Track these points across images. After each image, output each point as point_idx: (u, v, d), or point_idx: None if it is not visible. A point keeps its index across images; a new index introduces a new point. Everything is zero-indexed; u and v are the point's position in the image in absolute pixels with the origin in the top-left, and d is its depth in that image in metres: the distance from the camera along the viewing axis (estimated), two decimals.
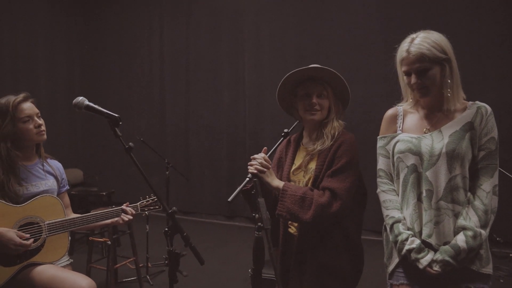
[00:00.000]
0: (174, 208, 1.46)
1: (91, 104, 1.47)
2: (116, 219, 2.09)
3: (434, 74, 1.53)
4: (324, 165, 1.79)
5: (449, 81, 1.54)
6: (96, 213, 2.06)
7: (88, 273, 3.26)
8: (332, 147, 1.80)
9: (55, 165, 2.19)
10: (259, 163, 1.75)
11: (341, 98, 1.91)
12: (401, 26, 5.01)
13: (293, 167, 1.93)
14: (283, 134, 1.85)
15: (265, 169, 1.75)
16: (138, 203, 2.28)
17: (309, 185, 1.84)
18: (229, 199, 1.59)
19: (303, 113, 1.88)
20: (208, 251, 4.63)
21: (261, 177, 1.75)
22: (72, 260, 2.19)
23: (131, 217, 2.09)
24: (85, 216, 2.03)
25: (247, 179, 1.70)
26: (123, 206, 2.12)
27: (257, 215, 1.51)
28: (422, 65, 1.51)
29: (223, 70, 6.15)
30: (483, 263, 1.53)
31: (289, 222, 1.92)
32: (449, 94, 1.55)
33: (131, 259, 3.60)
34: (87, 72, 7.29)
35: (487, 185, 1.52)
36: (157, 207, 2.31)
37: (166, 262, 1.45)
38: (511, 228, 4.10)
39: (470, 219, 1.50)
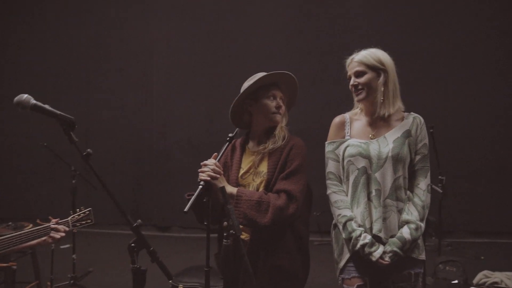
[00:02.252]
0: (139, 221, 1.34)
1: (39, 103, 1.26)
2: (43, 238, 1.80)
3: (369, 78, 1.77)
4: (276, 168, 1.82)
5: (382, 89, 1.76)
6: (15, 235, 1.75)
7: None
8: (283, 149, 1.85)
9: None
10: (211, 169, 1.70)
11: (287, 103, 2.00)
12: (309, 34, 5.39)
13: (241, 171, 1.93)
14: (228, 138, 1.83)
15: (218, 175, 1.72)
16: (69, 218, 2.00)
17: (260, 188, 1.85)
18: (185, 210, 1.51)
19: (268, 115, 1.89)
20: (109, 265, 4.31)
21: (214, 184, 1.70)
22: None
23: (63, 234, 1.83)
24: (3, 238, 1.70)
25: (200, 186, 1.63)
26: (53, 223, 1.84)
27: (225, 222, 1.47)
28: (359, 69, 1.78)
29: (129, 71, 5.80)
30: (420, 251, 1.78)
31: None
32: (381, 100, 1.77)
33: (33, 284, 3.15)
34: None
35: (423, 184, 1.77)
36: (89, 221, 2.06)
37: (72, 281, 1.31)
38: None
39: (412, 213, 1.73)
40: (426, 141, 1.81)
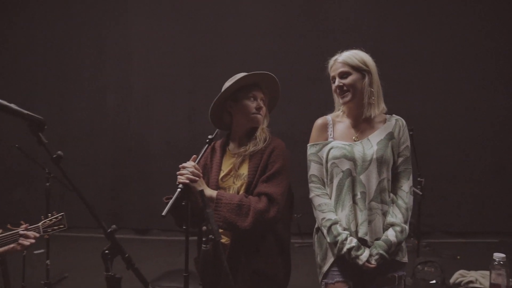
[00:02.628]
0: (113, 226, 1.28)
1: (4, 102, 1.15)
2: (12, 245, 1.71)
3: (354, 79, 1.75)
4: (257, 170, 1.80)
5: (372, 89, 1.76)
6: None
7: None
8: (264, 151, 1.82)
9: None
10: (190, 172, 1.67)
11: (268, 104, 1.99)
12: (293, 34, 5.39)
13: (221, 174, 1.90)
14: (207, 140, 1.80)
15: (197, 178, 1.68)
16: (40, 223, 1.92)
17: (241, 191, 1.82)
18: (163, 214, 1.48)
19: (249, 116, 1.87)
20: (88, 272, 4.18)
21: (193, 187, 1.67)
22: None
23: (33, 241, 1.75)
24: None
25: (178, 189, 1.59)
26: (22, 228, 1.75)
27: (204, 227, 1.43)
28: (344, 69, 1.76)
29: (106, 71, 5.67)
30: (404, 253, 1.78)
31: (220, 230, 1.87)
32: (367, 101, 1.76)
33: None
34: None
35: (406, 186, 1.77)
36: (61, 226, 1.99)
37: None
38: None
39: (396, 216, 1.73)
40: (408, 143, 1.82)
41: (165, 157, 5.51)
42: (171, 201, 1.51)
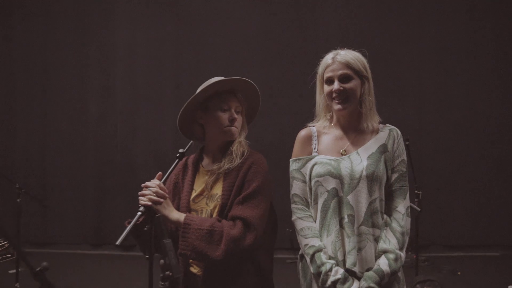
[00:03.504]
0: (44, 263, 1.04)
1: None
2: None
3: (356, 85, 1.53)
4: (232, 191, 1.56)
5: (369, 98, 1.55)
6: None
7: None
8: (241, 168, 1.58)
9: None
10: (154, 192, 1.44)
11: (248, 113, 1.75)
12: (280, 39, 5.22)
13: (193, 194, 1.66)
14: (178, 155, 1.57)
15: (161, 200, 1.45)
16: None
17: (214, 214, 1.58)
18: (117, 243, 1.25)
19: (221, 129, 1.63)
20: None
21: (157, 210, 1.43)
22: None
23: None
24: None
25: (139, 213, 1.37)
26: None
27: (162, 260, 1.20)
28: (346, 72, 1.52)
29: (89, 80, 5.45)
30: (401, 285, 1.53)
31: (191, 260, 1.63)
32: (369, 113, 1.55)
33: None
34: None
35: (402, 207, 1.53)
36: (8, 256, 1.74)
37: None
38: None
39: (390, 241, 1.48)
40: (404, 157, 1.57)
41: (151, 168, 5.27)
42: (128, 227, 1.28)
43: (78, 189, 5.43)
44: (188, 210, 1.61)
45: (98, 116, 5.44)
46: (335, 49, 1.60)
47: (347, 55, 1.54)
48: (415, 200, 3.31)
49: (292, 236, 4.46)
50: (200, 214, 1.61)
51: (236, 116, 1.63)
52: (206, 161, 1.72)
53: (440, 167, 5.01)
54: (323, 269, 1.45)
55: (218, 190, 1.60)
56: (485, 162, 5.13)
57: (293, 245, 4.70)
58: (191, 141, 1.69)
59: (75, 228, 5.41)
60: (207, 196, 1.63)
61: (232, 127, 1.63)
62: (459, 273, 4.22)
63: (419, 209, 3.13)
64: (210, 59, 5.19)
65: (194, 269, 1.62)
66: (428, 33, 5.17)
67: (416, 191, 3.36)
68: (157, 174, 1.53)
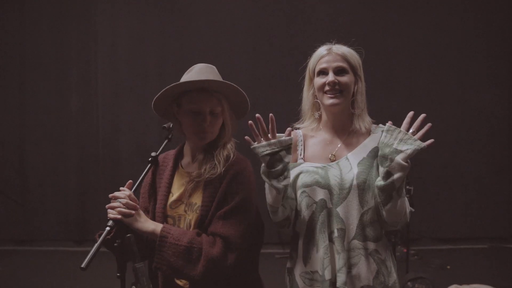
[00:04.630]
0: None
1: None
2: None
3: (351, 80, 1.42)
4: (213, 202, 1.40)
5: (362, 98, 1.44)
6: None
7: None
8: (223, 178, 1.40)
9: None
10: (124, 204, 1.29)
11: (236, 110, 1.54)
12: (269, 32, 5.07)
13: (171, 198, 1.49)
14: (150, 159, 1.42)
15: (133, 212, 1.30)
16: None
17: (192, 225, 1.43)
18: (82, 265, 1.14)
19: (190, 133, 1.46)
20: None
21: (128, 223, 1.30)
22: None
23: None
24: None
25: (107, 228, 1.24)
26: None
27: (133, 286, 1.07)
28: (342, 65, 1.41)
29: (70, 71, 5.22)
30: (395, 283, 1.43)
31: None
32: (360, 113, 1.44)
33: None
34: None
35: None
36: None
37: None
38: None
39: None
40: None
41: (136, 163, 5.11)
42: (94, 248, 1.13)
43: (60, 184, 5.24)
44: (164, 216, 1.46)
45: (79, 108, 5.24)
46: (330, 42, 1.48)
47: (344, 48, 1.45)
48: (407, 195, 3.23)
49: (280, 230, 4.39)
50: (178, 222, 1.47)
51: (208, 119, 1.41)
52: (186, 159, 1.55)
53: (429, 162, 4.96)
54: None
55: (197, 199, 1.44)
56: (474, 157, 5.10)
57: (282, 240, 4.63)
58: (165, 141, 1.51)
59: (57, 225, 5.24)
60: (186, 203, 1.47)
61: (202, 134, 1.43)
62: (448, 267, 4.20)
63: (413, 210, 3.06)
64: (195, 49, 5.01)
65: (181, 282, 1.48)
66: (418, 28, 5.07)
67: (407, 187, 3.28)
68: (127, 183, 1.38)
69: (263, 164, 1.34)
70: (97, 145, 5.23)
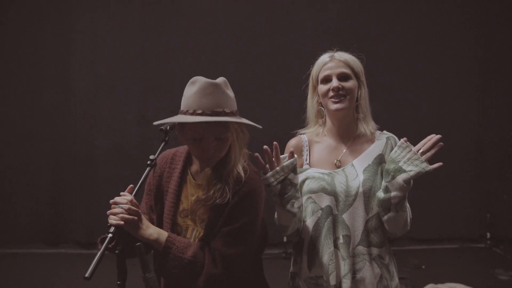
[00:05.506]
0: None
1: None
2: None
3: (354, 85, 1.45)
4: (220, 219, 1.36)
5: (365, 103, 1.47)
6: None
7: None
8: (235, 194, 1.35)
9: None
10: (126, 210, 1.23)
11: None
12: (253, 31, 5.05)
13: (181, 206, 1.45)
14: (149, 162, 1.34)
15: (135, 218, 1.25)
16: None
17: (199, 237, 1.41)
18: (86, 275, 1.05)
19: (194, 156, 1.43)
20: None
21: (130, 230, 1.25)
22: None
23: None
24: None
25: (109, 235, 1.17)
26: None
27: None
28: (345, 70, 1.45)
29: (44, 65, 5.02)
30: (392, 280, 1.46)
31: None
32: (365, 118, 1.47)
33: None
34: None
35: None
36: None
37: None
38: None
39: None
40: None
41: (114, 162, 4.99)
42: (97, 256, 1.07)
43: (32, 183, 5.04)
44: (173, 223, 1.43)
45: (54, 105, 5.04)
46: (332, 49, 1.51)
47: (346, 55, 1.48)
48: None
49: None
50: (185, 232, 1.44)
51: (212, 145, 1.33)
52: (194, 166, 1.48)
53: None
54: None
55: (205, 215, 1.40)
56: (448, 161, 5.24)
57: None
58: (162, 144, 1.41)
59: (28, 226, 5.03)
60: (193, 217, 1.44)
61: (207, 160, 1.36)
62: (423, 266, 4.33)
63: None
64: (177, 45, 4.94)
65: None
66: (400, 27, 5.17)
67: None
68: (128, 187, 1.32)
69: (273, 193, 1.33)
70: (72, 143, 5.06)
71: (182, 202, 1.45)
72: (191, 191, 1.45)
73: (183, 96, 1.36)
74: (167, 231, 1.38)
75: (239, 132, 1.38)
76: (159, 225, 1.45)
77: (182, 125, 1.36)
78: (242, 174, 1.37)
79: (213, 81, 1.33)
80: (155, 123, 1.35)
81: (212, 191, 1.35)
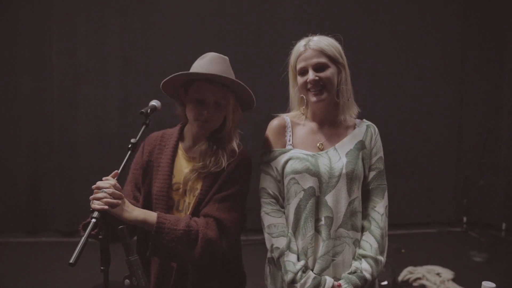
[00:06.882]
0: None
1: None
2: None
3: (332, 73, 1.42)
4: (213, 188, 1.43)
5: (347, 87, 1.45)
6: None
7: None
8: (227, 165, 1.44)
9: None
10: (110, 194, 1.23)
11: (242, 103, 1.55)
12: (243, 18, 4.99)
13: (173, 179, 1.49)
14: (130, 146, 1.35)
15: (119, 201, 1.25)
16: None
17: (191, 208, 1.45)
18: (71, 261, 1.02)
19: (191, 119, 1.47)
20: (8, 281, 3.57)
21: (115, 214, 1.25)
22: None
23: None
24: None
25: (93, 220, 1.15)
26: None
27: (127, 280, 1.04)
28: (320, 60, 1.41)
29: (21, 50, 4.86)
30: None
31: None
32: (348, 100, 1.46)
33: None
34: None
35: (380, 207, 1.47)
36: None
37: None
38: None
39: (371, 246, 1.41)
40: (382, 154, 1.52)
41: (94, 149, 4.91)
42: (81, 242, 1.05)
43: (11, 172, 4.92)
44: (167, 197, 1.45)
45: (31, 91, 4.89)
46: (307, 36, 1.48)
47: (320, 41, 1.43)
48: None
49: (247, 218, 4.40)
50: (177, 204, 1.48)
51: (211, 109, 1.42)
52: (186, 143, 1.55)
53: (387, 152, 5.18)
54: (288, 277, 1.36)
55: (198, 184, 1.46)
56: (427, 148, 5.39)
57: (246, 226, 4.64)
58: (143, 127, 1.42)
59: (6, 214, 4.93)
60: (187, 188, 1.48)
61: (203, 123, 1.44)
62: (403, 251, 4.45)
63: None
64: (159, 28, 4.83)
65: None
66: (381, 16, 5.20)
67: None
68: (113, 172, 1.32)
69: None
70: (51, 131, 4.94)
71: (174, 176, 1.49)
72: (184, 165, 1.49)
73: (192, 66, 1.47)
74: (158, 205, 1.43)
75: (234, 109, 1.48)
76: (147, 201, 1.48)
77: (188, 87, 1.46)
78: (237, 149, 1.47)
79: (221, 55, 1.48)
80: (163, 81, 1.43)
81: (208, 161, 1.44)
